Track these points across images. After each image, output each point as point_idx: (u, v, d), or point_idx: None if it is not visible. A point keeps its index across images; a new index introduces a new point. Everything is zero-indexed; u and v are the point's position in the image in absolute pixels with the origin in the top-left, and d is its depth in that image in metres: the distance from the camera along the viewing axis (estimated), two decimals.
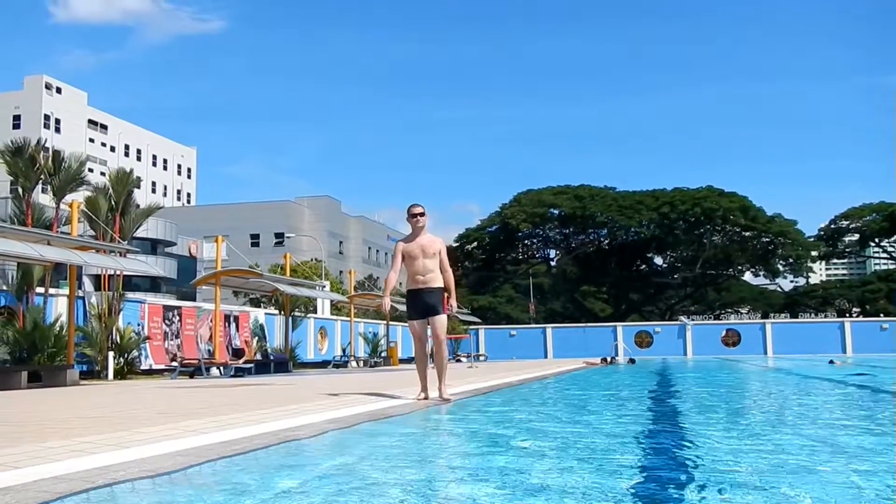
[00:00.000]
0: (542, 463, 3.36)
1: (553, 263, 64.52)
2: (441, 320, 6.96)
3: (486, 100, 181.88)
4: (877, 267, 69.97)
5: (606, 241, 61.40)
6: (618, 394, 9.07)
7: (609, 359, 25.36)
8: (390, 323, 28.70)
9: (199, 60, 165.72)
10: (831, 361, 18.12)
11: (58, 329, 13.74)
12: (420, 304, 6.93)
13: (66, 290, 14.86)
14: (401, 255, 7.03)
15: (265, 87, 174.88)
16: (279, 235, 62.69)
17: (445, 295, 7.09)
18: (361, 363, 25.46)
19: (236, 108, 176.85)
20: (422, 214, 7.05)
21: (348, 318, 27.40)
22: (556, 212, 58.81)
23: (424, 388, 7.11)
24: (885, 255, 64.27)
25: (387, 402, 6.79)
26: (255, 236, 65.54)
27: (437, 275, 6.95)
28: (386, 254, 76.60)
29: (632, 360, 24.97)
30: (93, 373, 15.03)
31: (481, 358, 33.95)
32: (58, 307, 14.96)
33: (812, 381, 11.19)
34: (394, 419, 5.44)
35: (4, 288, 14.24)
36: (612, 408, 6.83)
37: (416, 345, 7.26)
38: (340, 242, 72.71)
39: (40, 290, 14.44)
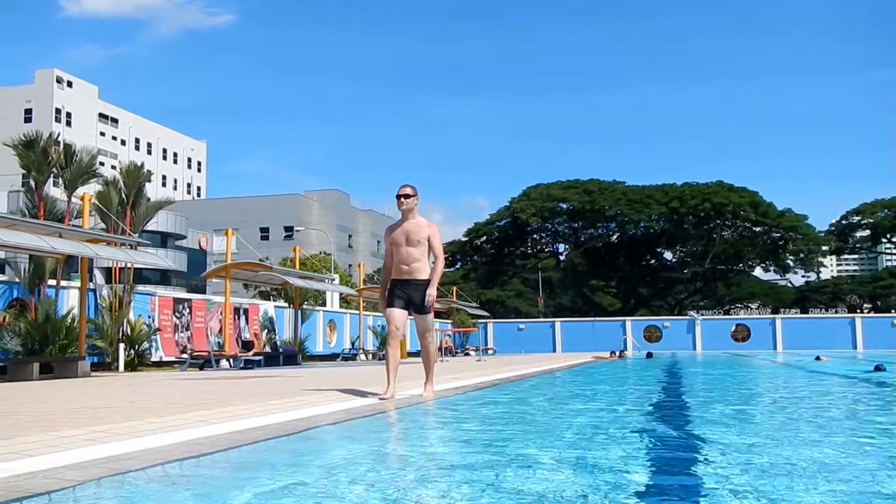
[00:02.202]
0: None
1: (562, 258, 64.46)
2: (426, 319, 6.31)
3: (495, 94, 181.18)
4: (888, 263, 69.45)
5: (615, 236, 61.33)
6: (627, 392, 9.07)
7: (618, 353, 25.34)
8: None
9: (209, 55, 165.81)
10: (818, 358, 18.18)
11: (69, 321, 13.83)
12: (403, 295, 6.23)
13: (77, 283, 14.96)
14: (388, 244, 6.36)
15: (274, 82, 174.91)
16: (288, 229, 62.84)
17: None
18: (370, 356, 25.53)
19: (245, 104, 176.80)
20: (407, 196, 6.27)
21: (357, 311, 27.48)
22: (565, 206, 58.78)
23: (391, 385, 6.24)
24: None
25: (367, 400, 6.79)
26: (264, 230, 65.75)
27: (423, 265, 6.25)
28: None
29: (649, 355, 24.84)
30: (104, 364, 15.14)
31: (490, 352, 34.00)
32: (69, 299, 15.08)
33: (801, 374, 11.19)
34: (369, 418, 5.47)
35: (17, 280, 14.35)
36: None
37: (389, 335, 6.38)
38: (349, 236, 72.82)
39: (52, 282, 14.54)
